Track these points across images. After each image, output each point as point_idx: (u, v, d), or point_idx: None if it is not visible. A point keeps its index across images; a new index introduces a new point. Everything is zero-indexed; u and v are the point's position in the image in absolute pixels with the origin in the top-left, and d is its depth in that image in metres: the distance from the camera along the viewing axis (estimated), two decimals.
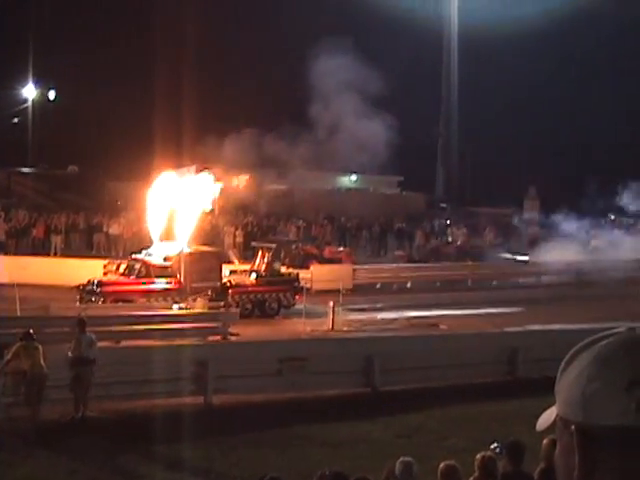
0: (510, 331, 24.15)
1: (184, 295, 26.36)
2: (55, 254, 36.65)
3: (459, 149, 47.99)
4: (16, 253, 35.54)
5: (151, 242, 28.48)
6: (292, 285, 28.97)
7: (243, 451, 14.37)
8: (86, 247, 39.04)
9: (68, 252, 36.87)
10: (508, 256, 35.86)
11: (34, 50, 54.38)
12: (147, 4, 49.54)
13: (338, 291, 27.94)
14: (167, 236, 28.63)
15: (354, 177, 59.55)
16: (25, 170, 55.03)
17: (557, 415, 1.69)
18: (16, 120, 57.36)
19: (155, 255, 27.28)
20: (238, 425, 15.86)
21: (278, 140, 33.66)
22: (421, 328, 26.74)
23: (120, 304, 25.62)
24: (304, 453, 14.22)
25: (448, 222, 46.45)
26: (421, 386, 19.22)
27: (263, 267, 28.82)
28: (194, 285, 26.69)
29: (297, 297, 28.75)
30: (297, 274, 29.83)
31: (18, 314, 22.78)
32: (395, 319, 28.22)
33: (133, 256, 28.07)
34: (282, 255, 29.84)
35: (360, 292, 32.54)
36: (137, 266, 26.91)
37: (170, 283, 26.60)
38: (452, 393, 18.67)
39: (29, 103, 57.00)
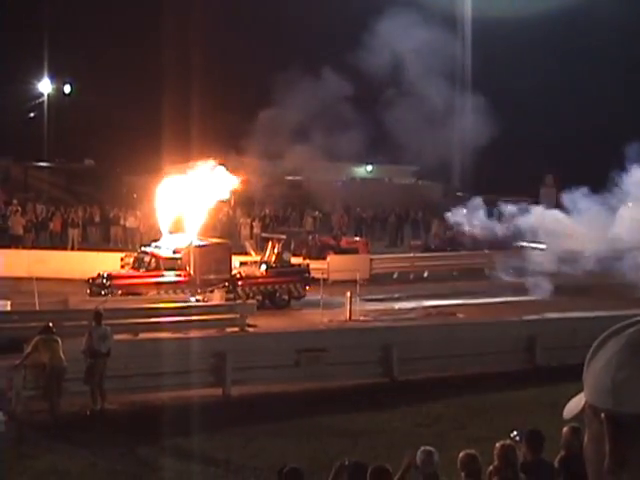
0: (528, 319, 24.07)
1: (194, 287, 26.35)
2: (72, 247, 36.77)
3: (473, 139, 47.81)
4: (35, 247, 35.69)
5: (161, 234, 28.50)
6: (302, 276, 28.92)
7: (262, 442, 14.39)
8: (103, 240, 39.16)
9: (85, 245, 37.01)
10: (525, 244, 35.63)
11: (49, 45, 54.52)
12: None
13: (355, 281, 27.91)
14: (179, 229, 28.67)
15: (370, 167, 59.48)
16: (42, 164, 55.22)
17: (586, 403, 1.66)
18: (32, 115, 57.55)
19: (164, 248, 27.28)
20: (257, 416, 15.88)
21: (292, 131, 33.59)
22: (439, 317, 26.72)
23: (136, 297, 25.63)
24: (323, 443, 14.23)
25: (465, 211, 46.23)
26: (439, 375, 19.22)
27: (273, 258, 28.80)
28: (204, 277, 26.65)
29: (307, 288, 28.72)
30: (307, 265, 29.74)
31: (37, 308, 22.89)
32: (412, 309, 28.19)
33: (142, 249, 28.06)
34: (292, 246, 29.74)
35: (377, 282, 32.50)
36: (146, 259, 26.92)
37: (180, 275, 26.62)
38: (470, 382, 18.66)
39: (45, 98, 57.15)
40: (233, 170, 31.11)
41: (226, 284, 27.05)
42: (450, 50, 39.41)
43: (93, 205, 41.81)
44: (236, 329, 23.30)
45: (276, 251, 28.86)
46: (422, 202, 48.67)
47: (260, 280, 27.89)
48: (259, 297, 27.00)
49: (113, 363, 16.01)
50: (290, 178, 43.91)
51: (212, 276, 26.80)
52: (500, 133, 35.77)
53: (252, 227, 39.74)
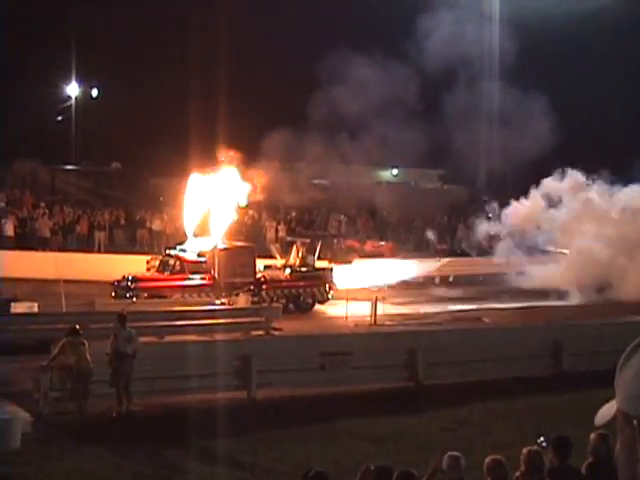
0: (555, 324, 23.93)
1: (218, 291, 26.38)
2: (99, 250, 36.97)
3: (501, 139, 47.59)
4: (61, 249, 35.93)
5: (186, 238, 28.57)
6: (326, 280, 28.89)
7: (287, 446, 14.39)
8: (129, 243, 39.32)
9: (112, 248, 37.20)
10: (551, 249, 35.45)
11: (77, 49, 54.85)
12: (187, 2, 49.78)
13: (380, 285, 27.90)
14: (204, 232, 28.72)
15: (395, 171, 59.38)
16: (69, 167, 55.54)
17: (617, 410, 1.65)
18: (60, 118, 57.92)
19: (189, 251, 27.34)
20: (282, 420, 15.90)
21: (318, 134, 33.59)
22: (464, 322, 26.63)
23: (162, 300, 25.70)
24: (348, 447, 14.20)
25: (490, 215, 46.06)
26: (465, 380, 19.14)
27: (297, 262, 28.77)
28: (228, 281, 26.69)
29: (332, 291, 28.67)
30: (331, 269, 29.74)
31: (64, 310, 23.03)
32: (438, 313, 28.12)
33: (167, 252, 28.14)
34: (317, 249, 29.72)
35: (402, 286, 32.44)
36: (171, 262, 26.99)
37: (204, 279, 26.64)
38: (496, 387, 18.58)
39: (72, 101, 57.53)
40: (257, 173, 31.17)
41: (251, 287, 27.11)
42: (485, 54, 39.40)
43: (119, 208, 41.99)
44: (261, 332, 23.35)
45: (300, 255, 28.86)
46: (447, 206, 48.53)
47: (284, 284, 27.89)
48: (283, 301, 27.02)
49: (139, 365, 16.06)
50: (316, 181, 43.90)
51: (236, 279, 26.84)
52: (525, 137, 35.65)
53: (277, 230, 39.76)
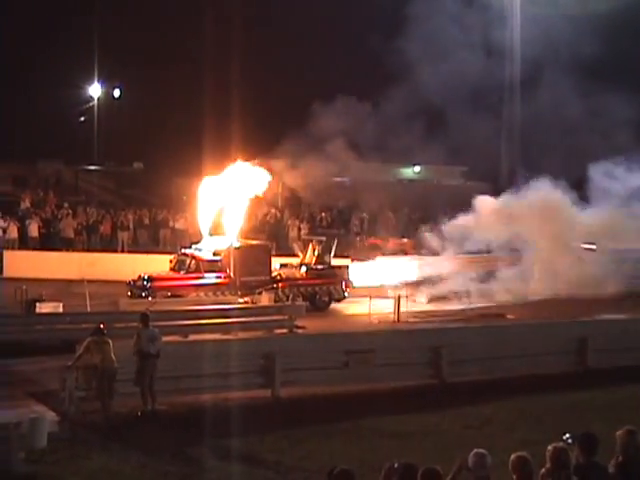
0: (579, 320, 23.80)
1: (234, 289, 26.38)
2: (122, 250, 37.14)
3: (522, 137, 47.39)
4: (85, 249, 36.14)
5: (202, 237, 28.57)
6: (343, 278, 28.82)
7: (312, 443, 14.40)
8: (152, 242, 39.48)
9: (135, 248, 37.37)
10: (575, 244, 35.22)
11: (99, 49, 55.15)
12: (209, 2, 49.87)
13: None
14: (220, 230, 28.71)
15: (417, 168, 59.25)
16: (92, 168, 55.86)
17: None
18: (83, 119, 58.24)
19: (205, 250, 27.35)
20: (306, 418, 15.91)
21: (341, 132, 33.57)
22: (488, 318, 26.54)
23: (185, 299, 25.75)
24: (373, 445, 14.19)
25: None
26: (489, 377, 19.07)
27: (313, 260, 28.73)
28: (243, 279, 26.70)
29: (348, 289, 28.62)
30: (347, 267, 29.60)
31: (88, 309, 23.16)
32: (461, 310, 28.04)
33: (183, 251, 28.15)
34: (333, 248, 29.67)
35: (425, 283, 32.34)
36: (187, 261, 27.01)
37: (219, 277, 26.65)
38: (520, 384, 18.51)
39: (95, 102, 57.82)
40: (278, 172, 31.19)
41: (273, 286, 27.11)
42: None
43: (142, 208, 42.16)
44: (285, 331, 23.37)
45: (316, 253, 28.80)
46: (470, 203, 48.30)
47: (300, 282, 27.87)
48: (299, 299, 26.97)
49: (163, 364, 16.12)
50: (338, 179, 43.87)
51: (252, 278, 26.83)
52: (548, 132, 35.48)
53: (300, 229, 39.79)
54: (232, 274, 26.72)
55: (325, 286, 28.25)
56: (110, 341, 15.59)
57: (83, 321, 20.17)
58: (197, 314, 23.05)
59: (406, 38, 33.81)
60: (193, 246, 28.07)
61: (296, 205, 42.89)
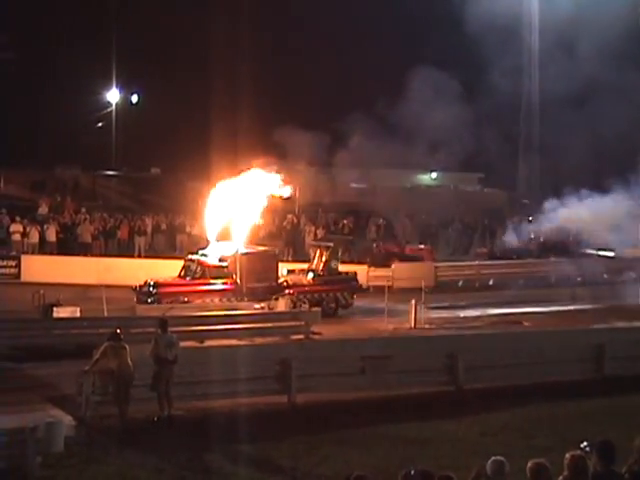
0: (596, 328, 23.69)
1: (240, 295, 26.31)
2: (139, 255, 37.25)
3: (541, 144, 47.34)
4: (103, 254, 36.27)
5: (208, 242, 28.47)
6: (350, 284, 28.70)
7: (328, 450, 14.38)
8: (169, 248, 39.57)
9: (152, 253, 37.47)
10: (593, 252, 35.14)
11: (117, 55, 55.37)
12: (227, 9, 50.01)
13: (420, 289, 27.78)
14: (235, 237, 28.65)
15: (434, 175, 59.23)
16: (110, 173, 56.06)
17: None
18: (100, 124, 58.48)
19: (211, 255, 27.30)
20: (322, 424, 15.90)
21: (358, 138, 33.59)
22: (504, 325, 26.46)
23: (201, 304, 25.71)
24: (389, 451, 14.17)
25: (530, 218, 45.78)
26: (505, 384, 18.99)
27: (321, 266, 28.66)
28: (250, 285, 26.59)
29: (355, 296, 28.49)
30: (355, 273, 29.47)
31: (105, 314, 23.23)
32: (478, 317, 27.97)
33: (189, 257, 28.04)
34: (340, 254, 29.54)
35: (442, 290, 32.32)
36: (193, 267, 26.94)
37: (226, 283, 26.58)
38: (537, 391, 18.43)
39: (113, 107, 58.04)
40: (295, 177, 31.15)
41: (288, 292, 27.04)
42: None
43: (160, 213, 42.28)
44: (301, 336, 23.36)
45: (324, 259, 28.71)
46: (487, 209, 48.29)
47: (307, 288, 27.74)
48: (305, 305, 26.79)
49: (180, 370, 16.14)
50: (355, 185, 43.90)
51: (258, 284, 26.73)
52: (566, 138, 35.37)
53: (316, 234, 39.80)
54: (238, 280, 26.63)
55: (332, 292, 28.12)
56: (127, 346, 15.62)
57: (100, 326, 20.18)
58: (213, 320, 23.06)
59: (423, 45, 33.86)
60: (200, 252, 27.98)
61: (313, 211, 42.90)
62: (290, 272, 28.64)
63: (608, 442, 7.85)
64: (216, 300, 25.92)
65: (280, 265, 28.65)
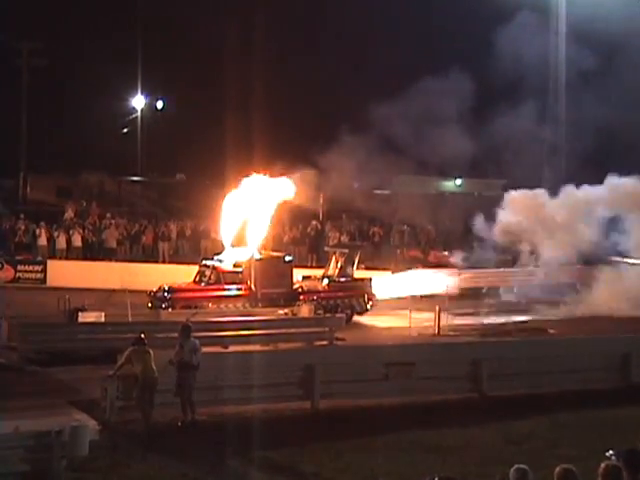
0: (623, 336, 23.51)
1: (254, 301, 26.27)
2: (163, 261, 37.38)
3: (566, 150, 47.17)
4: (128, 260, 36.42)
5: (223, 248, 28.44)
6: (365, 290, 28.61)
7: (351, 456, 14.35)
8: (194, 253, 39.67)
9: (176, 258, 37.58)
10: (619, 259, 34.84)
11: (143, 62, 55.64)
12: (252, 16, 50.22)
13: (443, 295, 27.69)
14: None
15: (459, 181, 59.06)
16: (134, 179, 56.33)
17: None
18: (126, 130, 58.78)
19: (225, 261, 27.28)
20: (345, 430, 15.87)
21: (380, 144, 33.55)
22: (529, 332, 26.32)
23: (225, 310, 25.73)
24: (413, 458, 14.12)
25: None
26: (530, 392, 18.90)
27: (336, 272, 28.57)
28: (264, 291, 26.55)
29: (370, 303, 28.39)
30: (370, 279, 29.26)
31: (130, 319, 23.32)
32: (502, 324, 27.84)
33: (204, 262, 28.02)
34: (356, 260, 29.45)
35: (466, 296, 32.18)
36: (207, 272, 26.92)
37: (240, 289, 26.53)
38: (562, 399, 18.32)
39: (138, 113, 58.33)
40: (320, 183, 31.13)
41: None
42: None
43: (185, 219, 42.42)
44: (325, 342, 23.35)
45: (339, 265, 28.62)
46: None
47: (322, 294, 27.65)
48: (320, 311, 26.57)
49: (204, 375, 16.17)
50: (379, 192, 43.83)
51: (272, 290, 26.68)
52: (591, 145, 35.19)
53: (340, 240, 39.75)
54: (253, 286, 26.61)
55: (347, 299, 27.98)
56: (151, 351, 15.68)
57: (124, 331, 20.26)
58: (237, 325, 23.09)
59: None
60: (215, 257, 27.99)
61: (337, 217, 42.88)
62: (305, 278, 28.57)
63: (635, 451, 7.76)
64: (230, 305, 25.92)
65: (296, 271, 28.67)
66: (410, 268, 34.15)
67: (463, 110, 33.76)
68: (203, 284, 26.73)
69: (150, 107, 59.31)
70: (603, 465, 7.41)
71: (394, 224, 43.26)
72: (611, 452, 7.75)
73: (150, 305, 25.90)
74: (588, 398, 18.41)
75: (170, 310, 25.30)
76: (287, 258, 28.37)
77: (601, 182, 32.68)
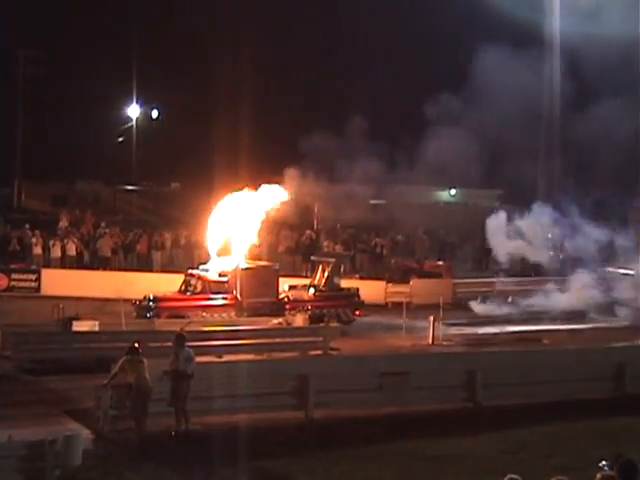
0: (617, 346, 23.53)
1: (240, 311, 26.22)
2: (157, 270, 37.30)
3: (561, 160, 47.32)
4: (122, 269, 36.37)
5: (208, 257, 28.37)
6: (352, 300, 28.52)
7: (345, 466, 14.33)
8: (188, 262, 39.59)
9: (171, 268, 37.52)
10: (612, 269, 34.93)
11: (138, 71, 55.68)
12: (247, 25, 50.31)
13: (438, 305, 27.69)
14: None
15: (453, 191, 59.15)
16: (129, 188, 56.32)
17: None
18: (121, 139, 58.80)
19: (211, 271, 27.20)
20: (340, 440, 15.84)
21: (376, 154, 33.59)
22: (523, 343, 26.33)
23: (218, 319, 25.65)
24: (407, 468, 14.11)
25: (550, 235, 45.58)
26: (525, 402, 18.89)
27: (322, 282, 28.54)
28: (250, 301, 26.44)
29: (357, 313, 28.35)
30: (357, 289, 29.22)
31: (124, 328, 23.27)
32: (497, 334, 27.85)
33: (190, 271, 27.92)
34: (342, 270, 29.36)
35: (460, 306, 32.19)
36: (193, 282, 26.85)
37: (226, 299, 26.43)
38: (557, 409, 18.32)
39: (133, 122, 58.35)
40: (313, 193, 31.11)
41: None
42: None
43: (179, 228, 42.40)
44: (319, 352, 23.33)
45: (326, 275, 28.57)
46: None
47: (308, 304, 27.54)
48: (306, 322, 26.41)
49: (197, 385, 16.14)
50: (373, 202, 43.86)
51: (258, 299, 26.57)
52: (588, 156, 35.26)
53: (335, 250, 39.75)
54: (239, 295, 26.52)
55: (333, 309, 27.92)
56: (145, 360, 15.64)
57: (118, 340, 20.21)
58: (231, 334, 23.06)
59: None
60: (200, 267, 27.91)
61: (331, 227, 42.87)
62: (292, 287, 28.51)
63: (631, 461, 7.76)
64: (216, 315, 25.80)
65: (288, 280, 28.68)
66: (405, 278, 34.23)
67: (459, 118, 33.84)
68: (189, 293, 26.65)
69: (145, 116, 59.33)
70: (599, 476, 7.41)
71: (389, 234, 43.29)
72: (604, 462, 7.75)
73: (135, 314, 25.70)
74: (583, 408, 18.42)
75: (156, 319, 25.17)
76: (273, 268, 28.36)
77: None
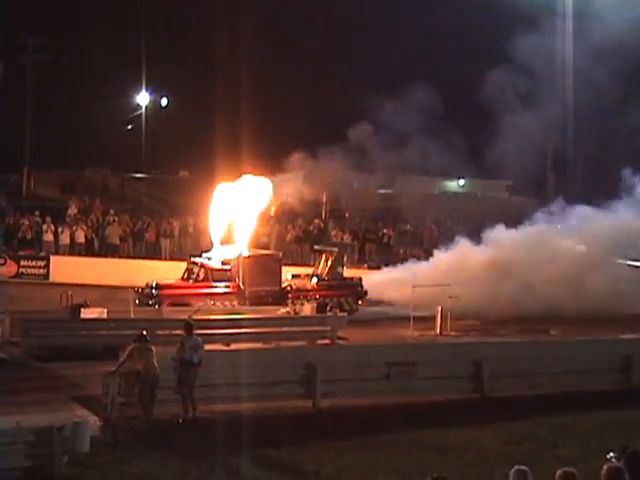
0: (624, 338, 23.50)
1: (242, 299, 26.24)
2: (165, 257, 37.38)
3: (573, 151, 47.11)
4: (130, 256, 36.44)
5: (211, 245, 28.38)
6: (355, 290, 28.53)
7: (352, 455, 14.36)
8: (197, 250, 39.61)
9: (179, 255, 37.55)
10: (621, 261, 34.79)
11: (147, 59, 55.63)
12: (257, 13, 50.21)
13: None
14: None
15: (462, 181, 58.99)
16: (138, 175, 56.32)
17: None
18: (130, 127, 58.77)
19: (214, 259, 27.19)
20: (346, 429, 15.88)
21: (385, 144, 33.53)
22: (531, 334, 26.31)
23: (227, 308, 25.69)
24: (413, 458, 14.13)
25: (558, 226, 45.44)
26: (531, 393, 18.91)
27: (325, 271, 28.54)
28: (252, 289, 26.47)
29: (360, 302, 28.38)
30: (360, 278, 29.24)
31: (132, 316, 23.34)
32: (504, 324, 27.83)
33: (192, 259, 27.94)
34: (345, 259, 29.37)
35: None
36: (196, 270, 26.85)
37: (228, 287, 26.45)
38: (563, 400, 18.32)
39: (142, 110, 58.32)
40: (323, 182, 31.10)
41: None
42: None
43: (187, 216, 42.42)
44: (327, 341, 23.36)
45: (329, 264, 28.58)
46: (514, 217, 47.94)
47: (310, 293, 27.58)
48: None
49: (205, 373, 16.19)
50: (382, 191, 43.84)
51: (261, 288, 26.61)
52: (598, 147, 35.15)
53: (343, 240, 39.72)
54: (241, 284, 26.52)
55: (336, 298, 27.88)
56: (153, 348, 15.70)
57: (126, 327, 20.30)
58: (238, 323, 23.10)
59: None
60: (203, 254, 27.92)
61: (340, 216, 42.83)
62: (295, 276, 28.53)
63: (636, 453, 7.76)
64: (218, 303, 25.78)
65: (291, 269, 28.80)
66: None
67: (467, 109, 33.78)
68: (191, 281, 26.66)
69: (154, 104, 59.29)
70: (605, 467, 7.41)
71: (397, 224, 43.21)
72: (611, 454, 7.75)
73: (138, 302, 25.71)
74: (589, 400, 18.41)
75: (157, 307, 25.22)
76: (276, 256, 28.37)
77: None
